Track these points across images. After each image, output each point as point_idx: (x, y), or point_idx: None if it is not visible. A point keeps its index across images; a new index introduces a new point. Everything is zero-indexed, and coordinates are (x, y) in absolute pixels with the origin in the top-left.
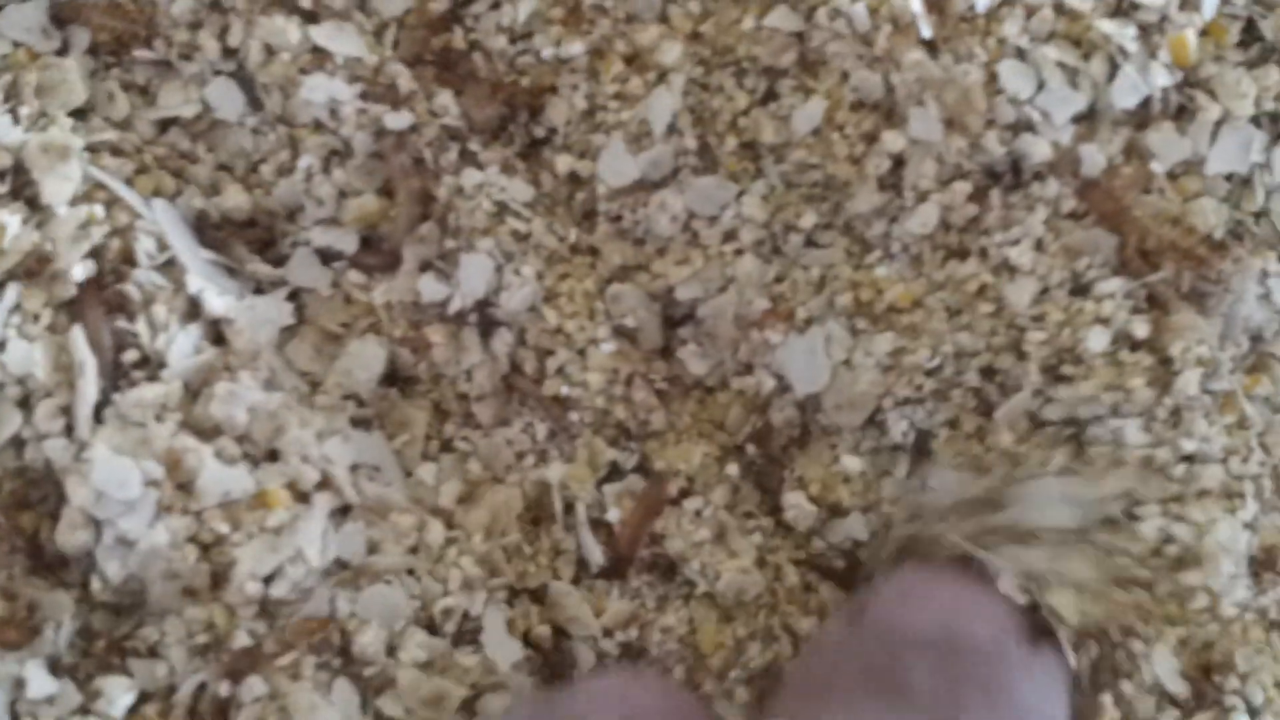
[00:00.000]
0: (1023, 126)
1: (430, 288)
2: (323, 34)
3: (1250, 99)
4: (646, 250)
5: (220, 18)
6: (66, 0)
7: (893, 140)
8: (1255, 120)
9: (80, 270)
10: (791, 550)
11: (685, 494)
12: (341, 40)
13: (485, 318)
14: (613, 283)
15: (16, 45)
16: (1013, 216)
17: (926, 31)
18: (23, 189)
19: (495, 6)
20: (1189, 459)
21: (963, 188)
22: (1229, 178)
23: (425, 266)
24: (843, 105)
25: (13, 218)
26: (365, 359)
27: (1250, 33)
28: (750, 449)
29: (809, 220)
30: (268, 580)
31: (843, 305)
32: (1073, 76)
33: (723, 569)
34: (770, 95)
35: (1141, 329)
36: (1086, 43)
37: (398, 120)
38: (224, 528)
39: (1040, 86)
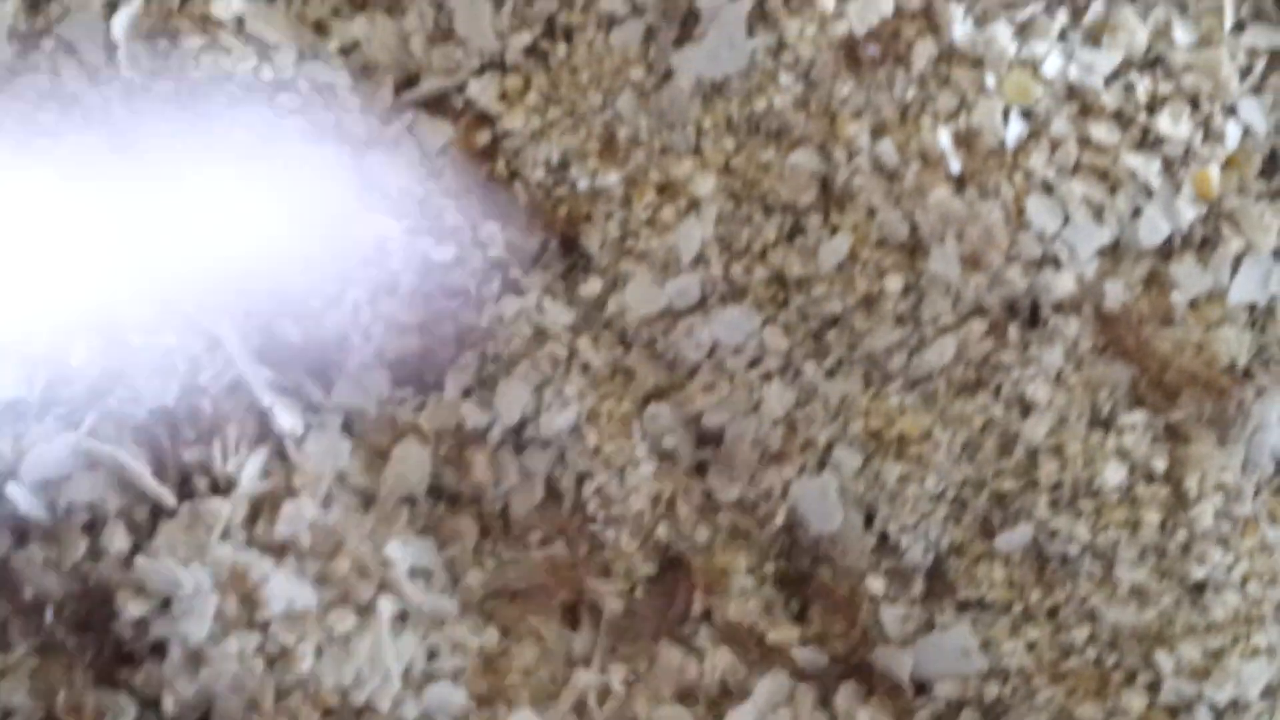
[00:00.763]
0: (1047, 261)
1: (472, 414)
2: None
3: (1274, 232)
4: (677, 373)
5: None
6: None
7: (908, 278)
8: (1277, 253)
9: (153, 393)
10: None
11: (719, 601)
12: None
13: (523, 441)
14: (650, 402)
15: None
16: (1031, 353)
17: (955, 167)
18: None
19: (534, 139)
20: (1199, 587)
21: (979, 326)
22: (1251, 308)
23: (467, 393)
24: (868, 241)
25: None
26: (412, 461)
27: (1274, 163)
28: (781, 563)
29: (828, 351)
30: (342, 690)
31: (855, 433)
32: (1098, 211)
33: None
34: (797, 229)
35: (1160, 463)
36: (1112, 176)
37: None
38: (290, 639)
39: (1066, 220)
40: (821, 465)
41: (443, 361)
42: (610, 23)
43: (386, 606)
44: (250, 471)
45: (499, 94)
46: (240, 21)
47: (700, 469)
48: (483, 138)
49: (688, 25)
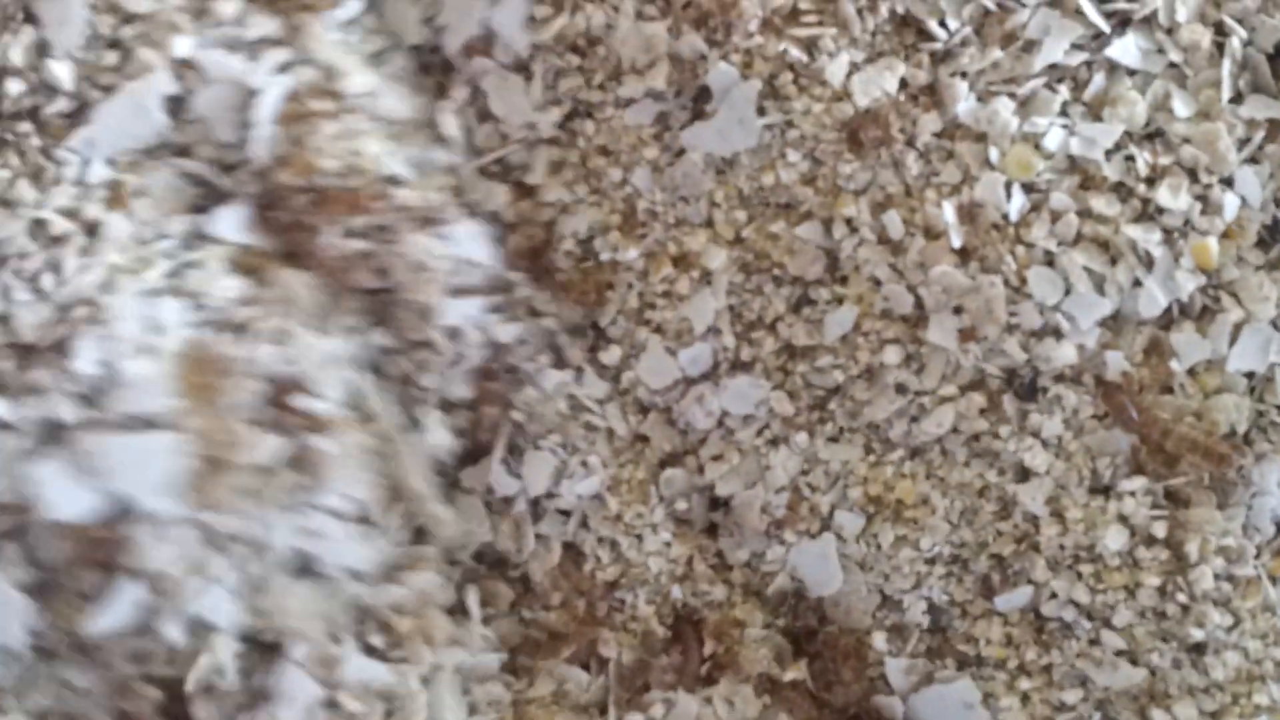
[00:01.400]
0: (1048, 331)
1: (501, 481)
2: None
3: (1272, 301)
4: (690, 440)
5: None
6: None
7: (908, 349)
8: (1274, 322)
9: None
10: None
11: (732, 650)
12: (471, 245)
13: (542, 509)
14: (665, 468)
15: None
16: (1031, 421)
17: (957, 241)
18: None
19: (564, 211)
20: (1199, 648)
21: (979, 396)
22: (1249, 376)
23: (501, 460)
24: (872, 313)
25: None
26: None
27: (1271, 233)
28: (789, 618)
29: (831, 419)
30: None
31: (855, 499)
32: (1099, 282)
33: None
34: (805, 300)
35: (1160, 529)
36: (1113, 248)
37: (508, 332)
38: (358, 707)
39: (1067, 291)
40: (823, 529)
41: (485, 432)
42: (627, 101)
43: (448, 662)
44: None
45: (538, 168)
46: (371, 98)
47: (712, 530)
48: (524, 209)
49: (700, 102)
